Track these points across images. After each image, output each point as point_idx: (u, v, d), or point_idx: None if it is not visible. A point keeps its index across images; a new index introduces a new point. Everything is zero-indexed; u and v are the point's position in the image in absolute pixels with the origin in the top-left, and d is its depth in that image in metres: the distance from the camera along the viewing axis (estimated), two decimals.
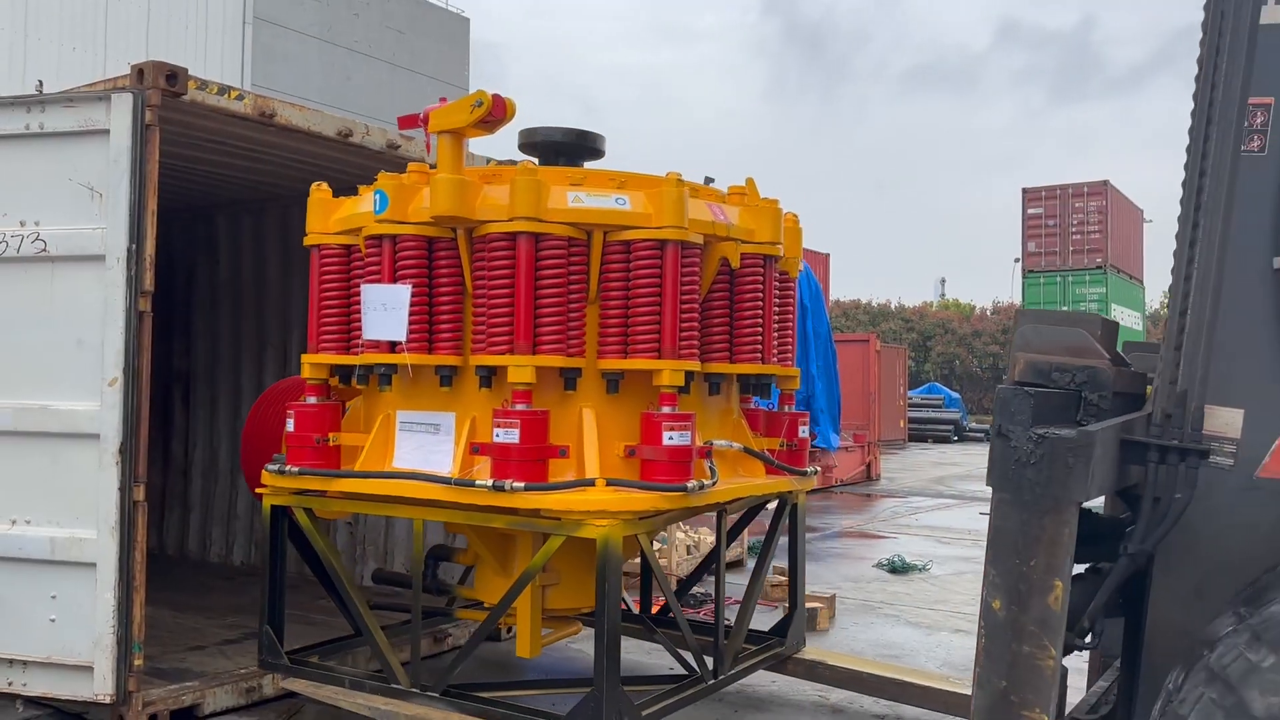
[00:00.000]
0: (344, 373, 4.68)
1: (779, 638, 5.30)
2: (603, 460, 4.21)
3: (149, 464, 4.65)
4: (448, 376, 4.32)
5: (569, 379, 4.26)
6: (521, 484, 3.98)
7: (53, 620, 4.48)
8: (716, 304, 4.58)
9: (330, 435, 4.58)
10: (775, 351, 4.80)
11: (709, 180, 4.85)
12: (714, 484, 4.26)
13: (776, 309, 4.84)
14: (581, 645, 6.11)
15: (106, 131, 4.45)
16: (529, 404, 4.10)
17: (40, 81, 5.30)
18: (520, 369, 4.08)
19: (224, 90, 4.80)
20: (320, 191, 4.69)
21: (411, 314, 4.26)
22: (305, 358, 4.67)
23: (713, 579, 4.95)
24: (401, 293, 4.22)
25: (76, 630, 4.45)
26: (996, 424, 2.52)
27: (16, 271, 4.58)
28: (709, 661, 4.72)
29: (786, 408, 5.19)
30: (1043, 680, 2.41)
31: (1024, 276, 30.43)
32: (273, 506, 4.80)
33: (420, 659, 4.47)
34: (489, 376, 4.21)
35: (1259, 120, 3.00)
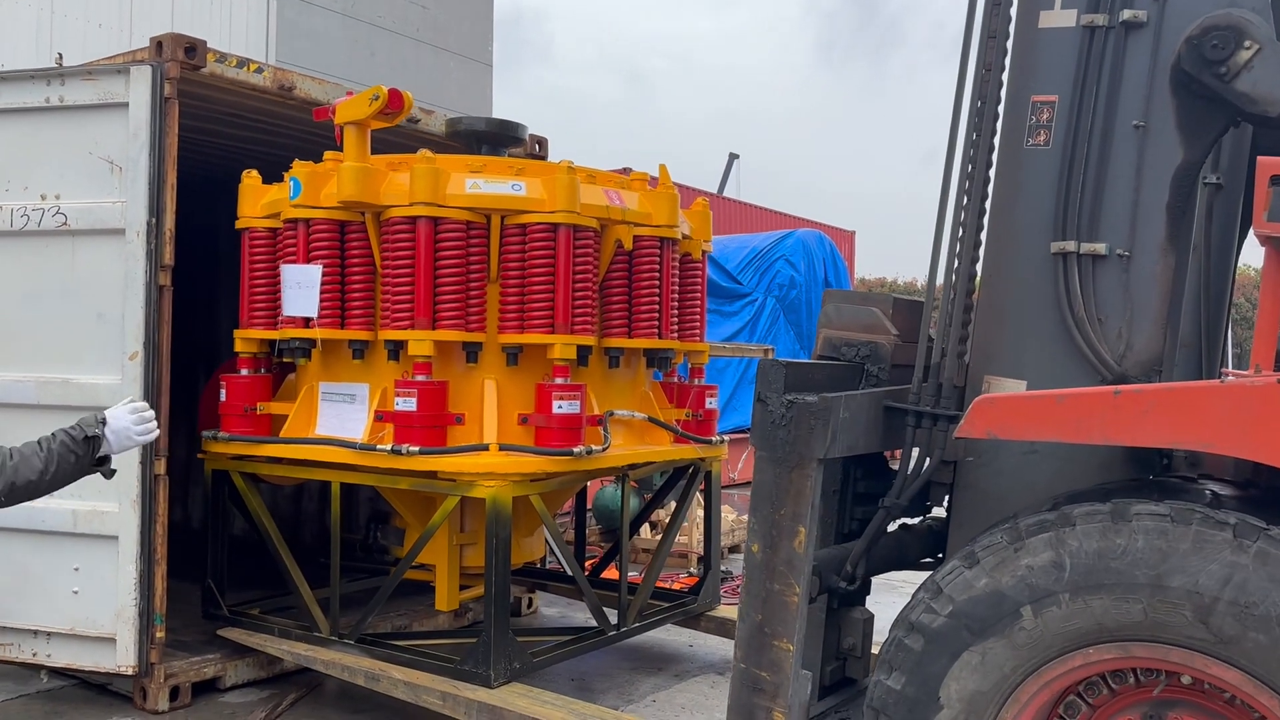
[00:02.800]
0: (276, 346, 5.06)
1: (692, 596, 5.65)
2: (502, 428, 4.56)
3: (174, 437, 4.77)
4: (360, 350, 4.69)
5: (471, 352, 4.61)
6: (417, 448, 4.35)
7: (75, 592, 4.57)
8: (616, 283, 4.90)
9: (259, 405, 4.97)
10: (675, 327, 5.11)
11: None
12: (604, 449, 4.60)
13: (677, 288, 5.16)
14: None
15: (126, 105, 4.47)
16: (429, 375, 4.46)
17: (60, 54, 5.22)
18: (419, 343, 4.44)
19: (243, 63, 4.81)
20: (250, 179, 5.06)
21: (325, 292, 4.63)
22: (237, 333, 5.06)
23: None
24: (314, 272, 4.59)
25: (99, 602, 4.54)
26: (757, 391, 2.83)
27: (38, 245, 4.63)
28: (613, 617, 5.08)
29: (696, 380, 5.51)
30: (789, 614, 2.74)
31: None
32: (213, 471, 5.20)
33: (339, 610, 4.86)
34: (396, 350, 4.57)
35: (1044, 117, 3.27)
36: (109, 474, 3.37)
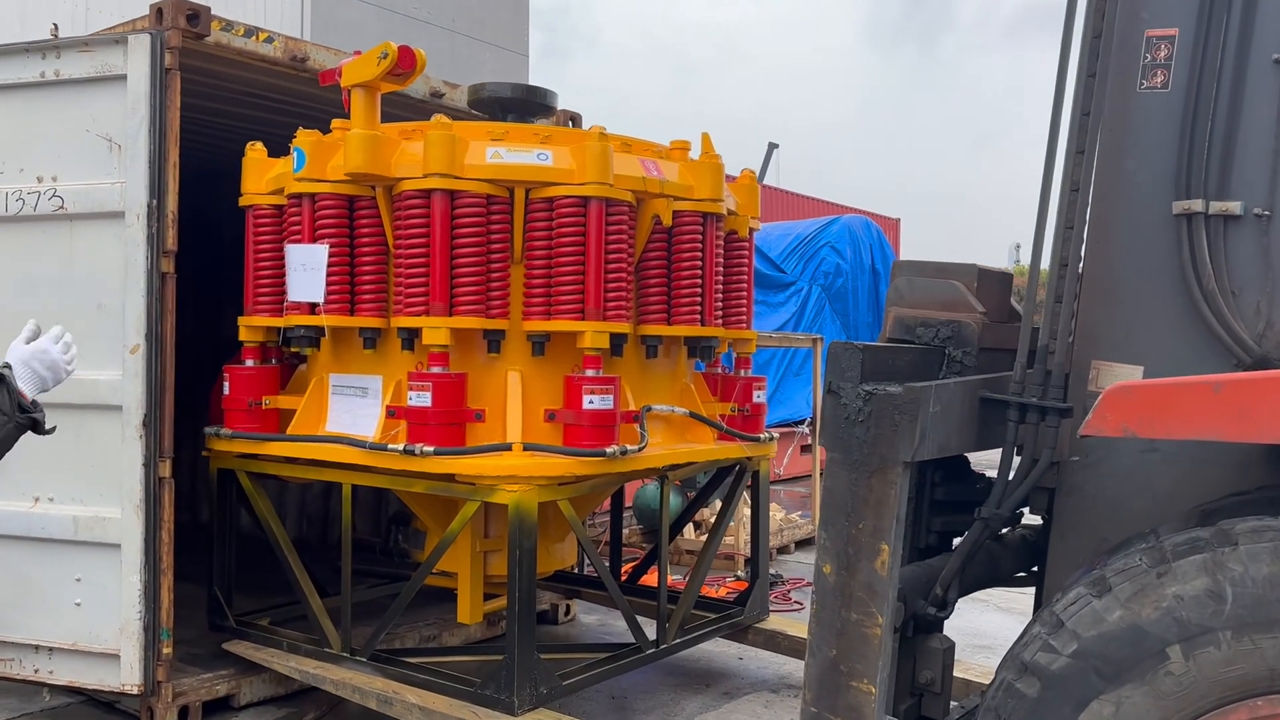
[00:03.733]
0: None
1: (739, 607, 5.17)
2: (527, 425, 4.11)
3: (182, 436, 4.35)
4: (371, 339, 4.25)
5: (493, 341, 4.16)
6: (431, 448, 3.90)
7: (78, 604, 4.22)
8: (653, 264, 4.42)
9: (265, 398, 4.54)
10: (719, 313, 4.63)
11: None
12: (640, 449, 4.13)
13: (721, 269, 4.67)
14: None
15: (124, 77, 4.12)
16: (445, 366, 4.01)
17: (55, 25, 4.80)
18: (434, 331, 3.99)
19: (251, 32, 4.41)
20: (254, 151, 4.63)
21: (332, 274, 4.19)
22: (241, 320, 4.64)
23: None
24: (319, 253, 4.16)
25: (102, 615, 4.18)
26: (828, 380, 2.35)
27: (35, 231, 4.27)
28: (653, 630, 4.61)
29: (742, 372, 5.02)
30: (870, 649, 2.26)
31: None
32: (219, 470, 4.80)
33: (357, 621, 4.44)
34: (410, 339, 4.13)
35: (1162, 54, 2.76)
36: (43, 429, 2.95)
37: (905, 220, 22.79)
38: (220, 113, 5.45)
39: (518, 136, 4.17)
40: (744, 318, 4.90)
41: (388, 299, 4.24)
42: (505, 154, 4.08)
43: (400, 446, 3.93)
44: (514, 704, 3.85)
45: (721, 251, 4.66)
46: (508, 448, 3.98)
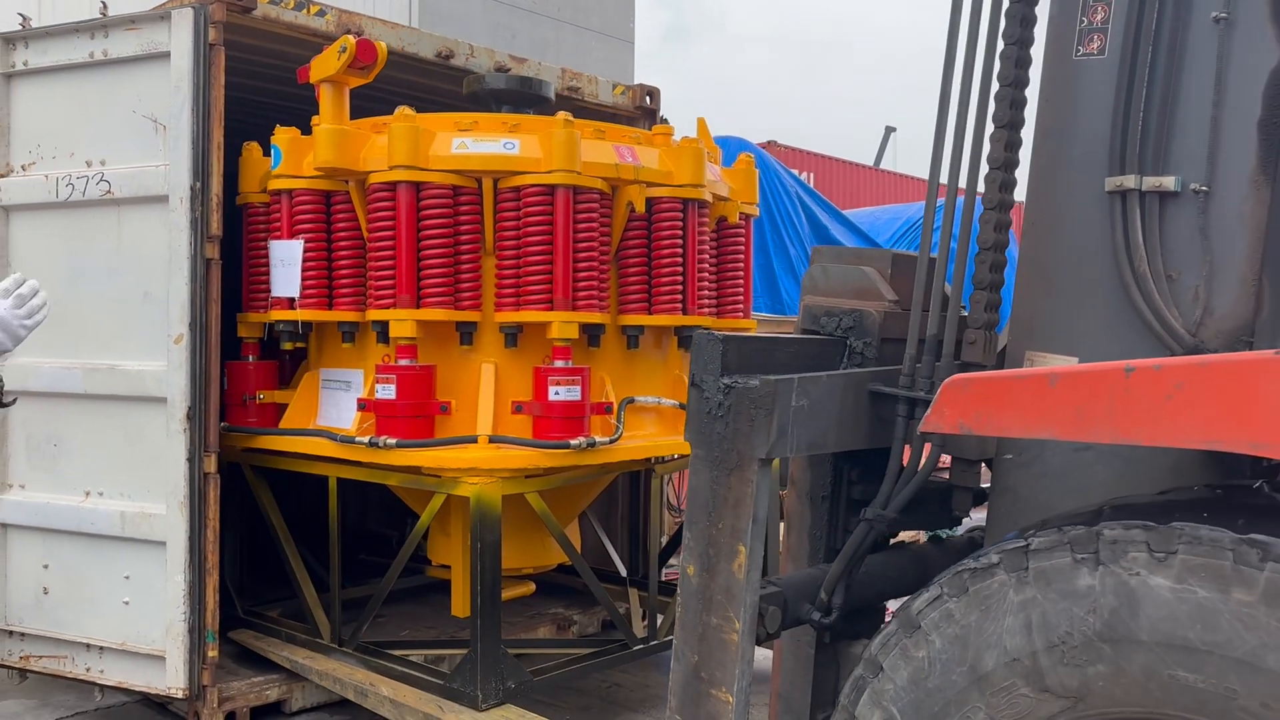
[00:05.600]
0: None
1: None
2: (498, 417, 4.07)
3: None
4: (350, 332, 4.27)
5: (465, 333, 4.13)
6: (394, 440, 3.90)
7: (126, 603, 4.13)
8: (633, 253, 4.33)
9: (259, 393, 4.61)
10: (705, 302, 4.50)
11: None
12: (611, 441, 4.05)
13: (710, 256, 4.55)
14: None
15: (168, 55, 3.98)
16: (413, 359, 4.00)
17: (104, 3, 4.67)
18: (401, 323, 3.98)
19: (302, 4, 4.26)
20: (249, 151, 4.69)
21: (311, 269, 4.23)
22: (239, 316, 4.72)
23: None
24: (295, 248, 4.20)
25: (149, 615, 4.07)
26: (691, 372, 2.24)
27: (83, 217, 4.17)
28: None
29: None
30: (728, 656, 2.14)
31: None
32: (227, 463, 4.88)
33: (341, 615, 4.48)
34: (384, 332, 4.13)
35: (1099, 17, 2.54)
36: (4, 401, 2.89)
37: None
38: (269, 92, 5.09)
39: (486, 126, 4.13)
40: (740, 306, 4.76)
41: (365, 293, 4.26)
42: (471, 144, 4.04)
43: (366, 439, 3.94)
44: (478, 698, 3.83)
45: (709, 238, 4.53)
46: (473, 440, 3.95)
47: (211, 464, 4.04)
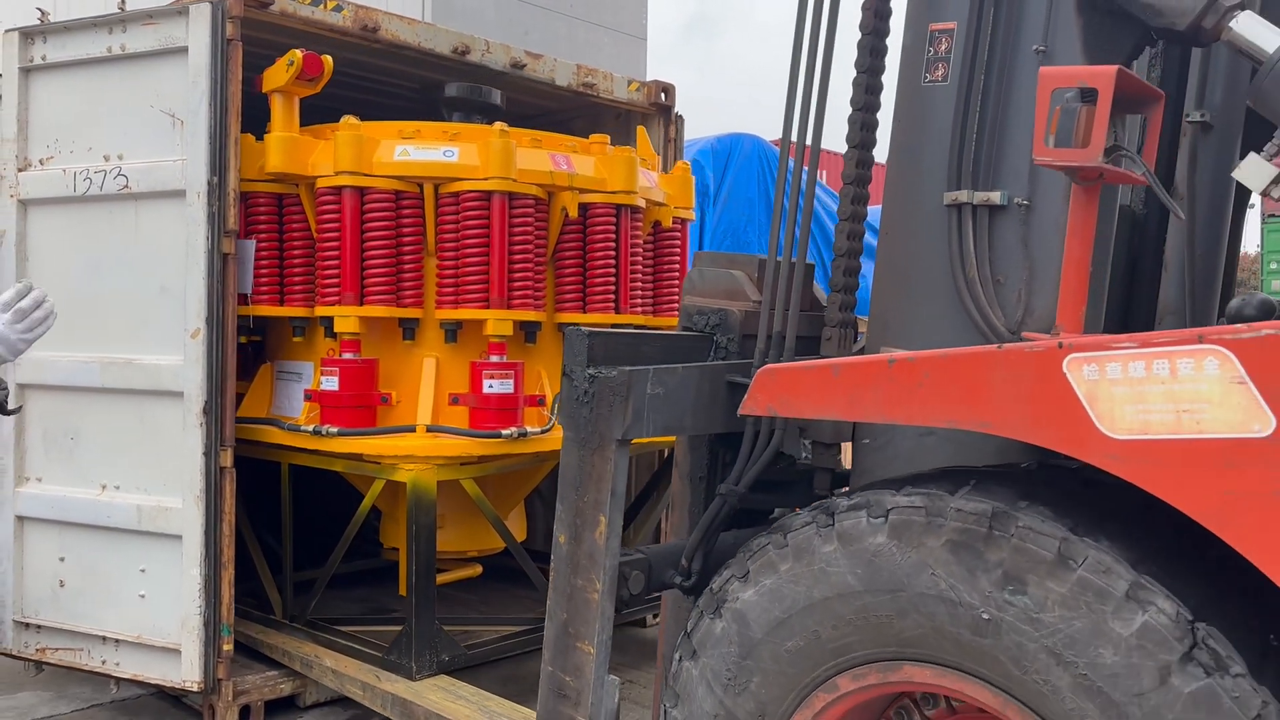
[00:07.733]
0: None
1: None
2: (437, 409, 4.34)
3: None
4: (300, 327, 4.55)
5: (408, 329, 4.41)
6: (336, 429, 4.18)
7: (142, 596, 4.16)
8: (568, 255, 4.61)
9: None
10: (638, 302, 4.78)
11: None
12: (543, 431, 4.33)
13: (644, 259, 4.83)
14: None
15: (186, 49, 4.02)
16: (357, 353, 4.28)
17: None
18: (345, 319, 4.26)
19: (318, 0, 4.32)
20: None
21: (262, 267, 4.51)
22: None
23: None
24: (248, 247, 4.47)
25: (165, 608, 4.09)
26: (564, 363, 2.51)
27: (101, 212, 4.21)
28: None
29: None
30: (590, 613, 2.42)
31: (1263, 221, 27.12)
32: None
33: (293, 594, 4.76)
34: (331, 327, 4.41)
35: (943, 47, 2.82)
36: (5, 409, 2.99)
37: None
38: None
39: (428, 135, 4.40)
40: (677, 306, 5.04)
41: (314, 290, 4.53)
42: (413, 152, 4.32)
43: (310, 428, 4.22)
44: (412, 669, 4.10)
45: (642, 241, 4.81)
46: (411, 429, 4.23)
47: (228, 458, 4.09)
